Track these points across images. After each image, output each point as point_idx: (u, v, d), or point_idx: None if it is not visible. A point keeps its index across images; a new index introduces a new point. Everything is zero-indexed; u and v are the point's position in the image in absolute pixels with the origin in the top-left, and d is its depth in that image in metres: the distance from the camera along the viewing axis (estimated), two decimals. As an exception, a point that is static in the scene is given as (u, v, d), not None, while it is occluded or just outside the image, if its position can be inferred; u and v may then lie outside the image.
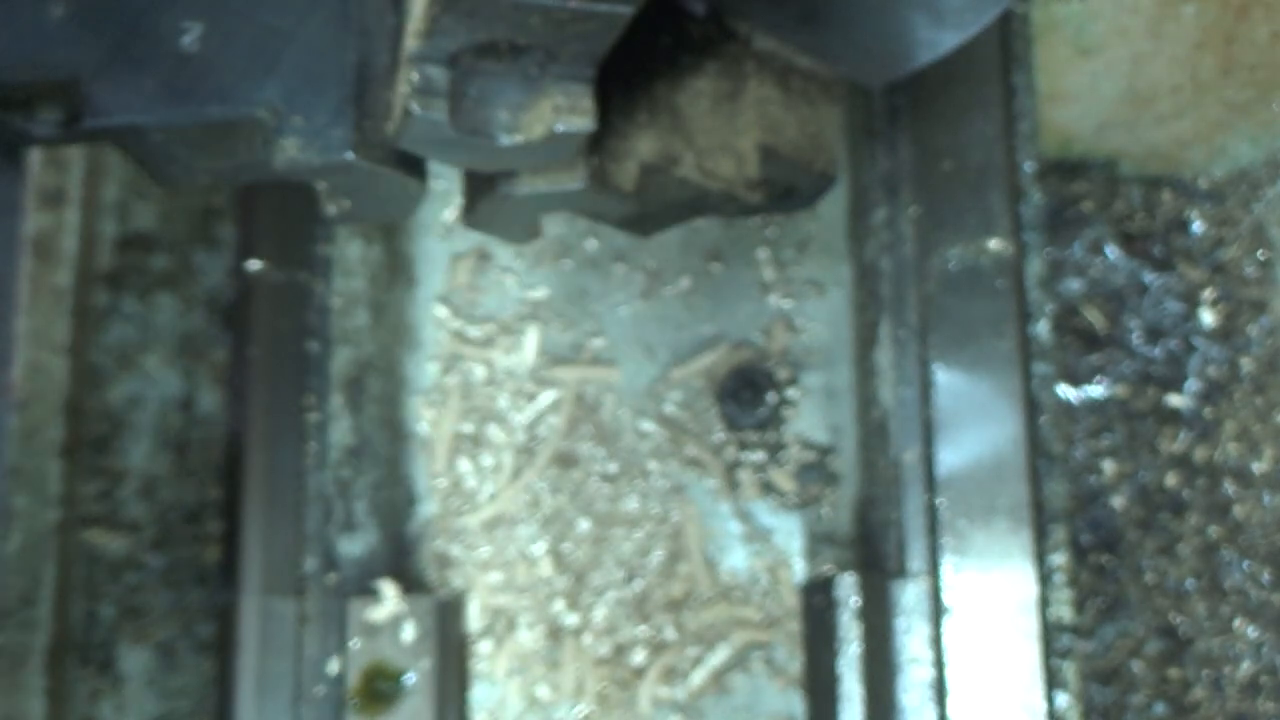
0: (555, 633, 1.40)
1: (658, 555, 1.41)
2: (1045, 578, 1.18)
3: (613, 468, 1.43)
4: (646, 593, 1.40)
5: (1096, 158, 1.59)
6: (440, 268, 1.47)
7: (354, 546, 1.31)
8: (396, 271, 1.45)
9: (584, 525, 1.42)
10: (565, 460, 1.43)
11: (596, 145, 0.78)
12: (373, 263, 1.39)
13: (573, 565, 1.41)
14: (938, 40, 0.85)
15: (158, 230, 1.52)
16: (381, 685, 1.26)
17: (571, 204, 0.82)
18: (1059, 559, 1.20)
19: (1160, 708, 1.48)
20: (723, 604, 1.39)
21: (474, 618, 1.40)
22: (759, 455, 1.42)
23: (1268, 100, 1.46)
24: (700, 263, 1.47)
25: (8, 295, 0.84)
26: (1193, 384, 1.54)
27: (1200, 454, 1.53)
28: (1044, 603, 1.17)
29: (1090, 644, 1.49)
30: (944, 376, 1.21)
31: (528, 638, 1.39)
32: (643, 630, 1.40)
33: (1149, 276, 1.57)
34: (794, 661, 1.37)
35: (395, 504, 1.41)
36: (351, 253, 1.36)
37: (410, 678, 1.26)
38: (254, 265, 1.29)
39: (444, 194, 1.48)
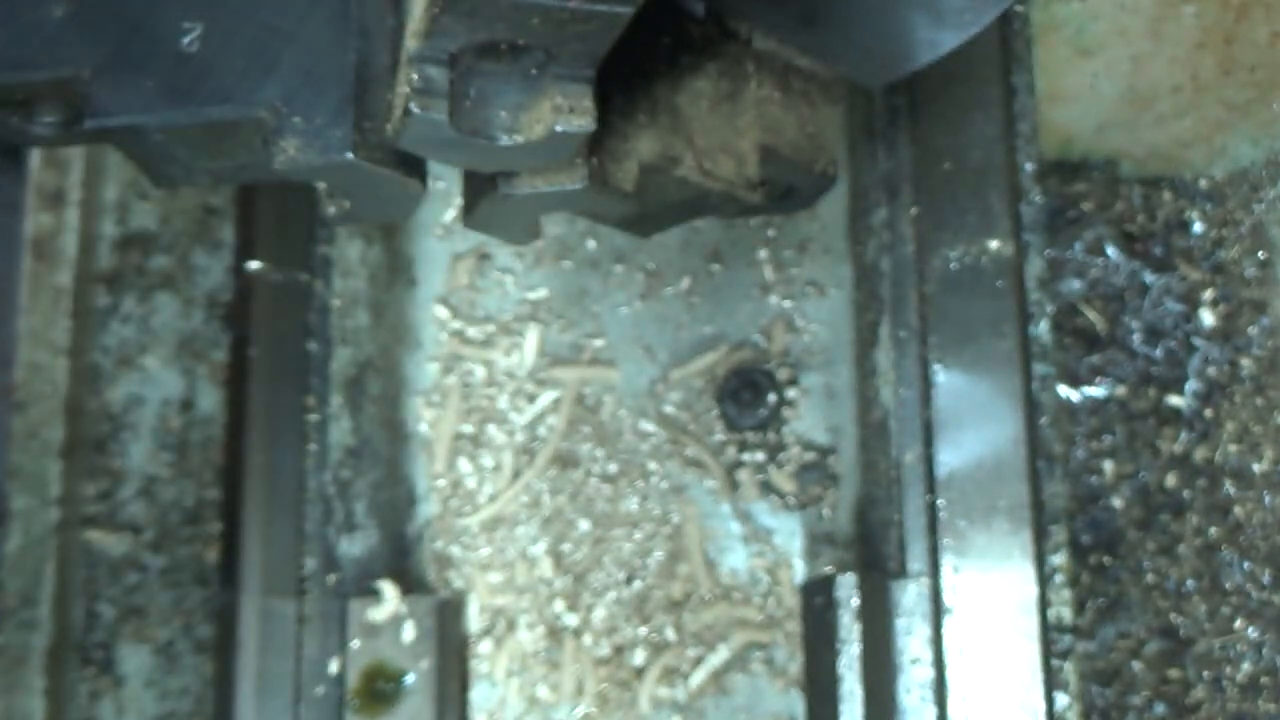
0: (555, 633, 1.40)
1: (658, 556, 1.41)
2: (1045, 578, 1.18)
3: (613, 468, 1.43)
4: (646, 593, 1.40)
5: (1097, 158, 1.59)
6: (440, 268, 1.47)
7: (354, 547, 1.31)
8: (396, 271, 1.45)
9: (584, 526, 1.42)
10: (565, 461, 1.43)
11: (596, 145, 0.78)
12: (373, 263, 1.39)
13: (573, 566, 1.41)
14: (938, 40, 0.85)
15: (158, 230, 1.52)
16: (381, 685, 1.26)
17: (571, 204, 0.82)
18: (1059, 559, 1.20)
19: (1160, 708, 1.47)
20: (723, 604, 1.39)
21: (474, 618, 1.40)
22: (759, 456, 1.42)
23: (1268, 100, 1.46)
24: (700, 263, 1.47)
25: (8, 295, 0.84)
26: (1193, 384, 1.54)
27: (1200, 454, 1.53)
28: (1044, 603, 1.17)
29: (1090, 644, 1.49)
30: (944, 377, 1.21)
31: (527, 638, 1.39)
32: (642, 631, 1.40)
33: (1149, 276, 1.57)
34: (794, 662, 1.37)
35: (395, 504, 1.41)
36: (351, 253, 1.36)
37: (410, 678, 1.26)
38: (254, 265, 1.29)
39: (444, 194, 1.48)
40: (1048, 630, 1.16)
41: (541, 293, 1.47)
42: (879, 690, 1.15)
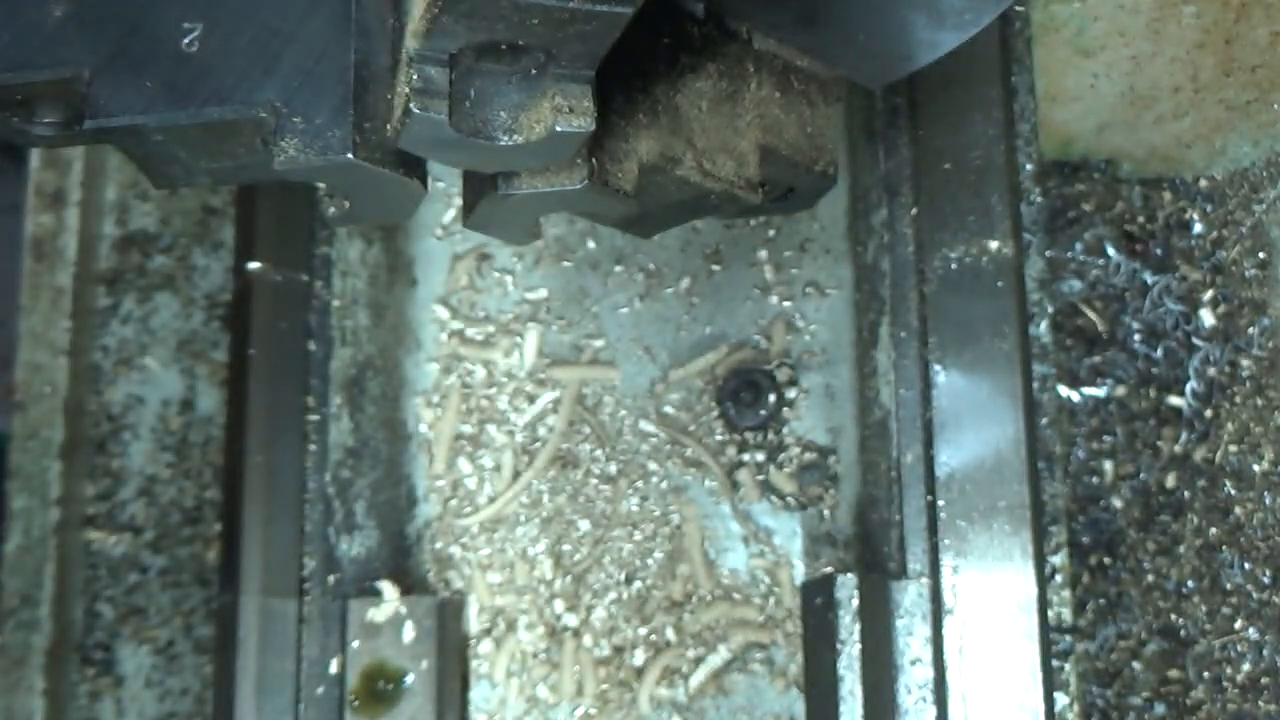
0: (555, 633, 1.40)
1: (657, 556, 1.41)
2: (1045, 578, 1.18)
3: (612, 468, 1.43)
4: (646, 593, 1.40)
5: (1097, 158, 1.59)
6: (440, 268, 1.47)
7: (354, 547, 1.31)
8: (396, 272, 1.45)
9: (584, 526, 1.42)
10: (565, 461, 1.43)
11: (596, 145, 0.78)
12: (373, 263, 1.39)
13: (572, 566, 1.41)
14: (938, 40, 0.85)
15: (158, 230, 1.52)
16: (381, 686, 1.26)
17: (571, 204, 0.81)
18: (1059, 560, 1.20)
19: (1160, 709, 1.47)
20: (723, 605, 1.39)
21: (474, 618, 1.40)
22: (759, 456, 1.42)
23: (1268, 100, 1.46)
24: (700, 263, 1.47)
25: (8, 295, 0.84)
26: (1193, 384, 1.54)
27: (1200, 455, 1.53)
28: (1044, 603, 1.17)
29: (1090, 645, 1.49)
30: (944, 377, 1.21)
31: (527, 638, 1.39)
32: (642, 631, 1.40)
33: (1149, 277, 1.57)
34: (794, 662, 1.37)
35: (395, 504, 1.41)
36: (351, 253, 1.36)
37: (410, 678, 1.26)
38: (254, 265, 1.29)
39: (444, 194, 1.48)
40: (1047, 630, 1.16)
41: (541, 293, 1.47)
42: (879, 690, 1.15)
